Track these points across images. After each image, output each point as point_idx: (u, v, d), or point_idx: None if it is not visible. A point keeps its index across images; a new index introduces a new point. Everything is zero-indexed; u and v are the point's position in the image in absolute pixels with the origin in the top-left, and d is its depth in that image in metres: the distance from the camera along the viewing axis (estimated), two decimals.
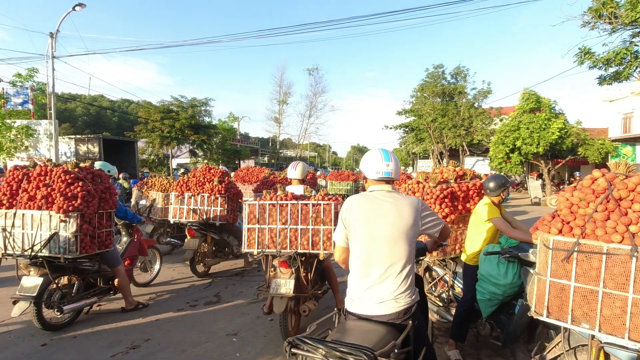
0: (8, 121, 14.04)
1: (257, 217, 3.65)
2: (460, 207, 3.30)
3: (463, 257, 3.21)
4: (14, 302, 3.52)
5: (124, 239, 4.91)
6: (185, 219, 5.85)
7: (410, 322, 1.80)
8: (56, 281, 3.71)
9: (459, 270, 3.43)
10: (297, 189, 3.99)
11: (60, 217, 3.46)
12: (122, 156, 18.11)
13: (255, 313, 4.23)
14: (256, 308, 4.38)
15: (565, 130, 17.38)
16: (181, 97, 25.11)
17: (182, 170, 8.88)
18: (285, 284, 3.41)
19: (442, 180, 3.47)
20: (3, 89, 14.34)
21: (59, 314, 3.62)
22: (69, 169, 3.63)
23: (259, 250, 3.64)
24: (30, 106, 14.62)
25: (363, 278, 1.88)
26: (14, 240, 3.62)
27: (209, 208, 5.78)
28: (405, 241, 1.85)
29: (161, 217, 7.10)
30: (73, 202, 3.50)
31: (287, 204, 3.60)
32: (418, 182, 3.56)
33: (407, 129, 36.79)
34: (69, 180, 3.55)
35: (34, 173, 3.65)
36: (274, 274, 3.64)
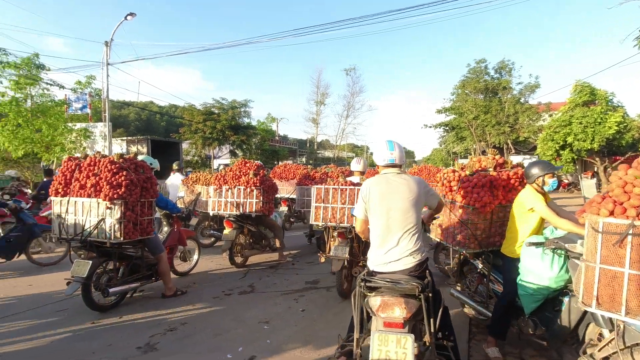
0: (70, 124, 15.27)
1: (322, 197, 4.75)
2: (500, 196, 3.11)
3: (503, 250, 3.02)
4: (67, 283, 3.79)
5: (165, 228, 5.15)
6: (224, 210, 6.05)
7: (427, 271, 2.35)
8: (103, 265, 3.96)
9: (499, 263, 3.23)
10: (356, 178, 5.01)
11: (106, 204, 3.69)
12: (167, 156, 19.09)
13: (287, 303, 4.25)
14: (288, 299, 4.41)
15: (625, 124, 15.95)
16: (222, 100, 26.05)
17: (221, 166, 9.14)
18: (341, 250, 4.25)
19: (480, 168, 3.29)
20: (66, 95, 15.63)
21: (105, 295, 3.86)
22: (115, 160, 3.86)
23: (323, 223, 4.70)
24: (88, 110, 15.81)
25: (384, 242, 2.33)
26: (67, 225, 3.91)
27: (245, 200, 5.94)
28: (415, 210, 2.33)
29: (205, 210, 7.38)
30: (118, 190, 3.72)
31: (346, 189, 4.60)
32: (454, 171, 3.41)
33: (447, 128, 35.65)
34: (114, 170, 3.78)
35: (84, 163, 3.92)
36: (333, 242, 4.58)
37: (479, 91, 26.45)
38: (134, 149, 18.00)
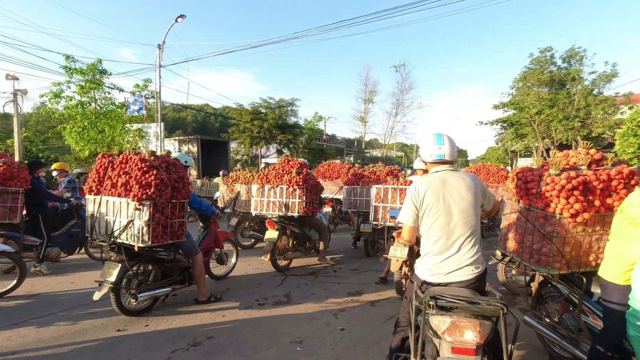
0: (128, 126, 16.15)
1: (382, 197, 4.93)
2: (597, 202, 2.39)
3: (603, 273, 2.30)
4: (99, 284, 3.65)
5: (201, 230, 4.93)
6: (266, 211, 5.84)
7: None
8: (133, 268, 3.78)
9: (595, 290, 2.51)
10: (415, 177, 4.80)
11: (135, 204, 3.49)
12: (216, 155, 19.60)
13: (325, 319, 3.80)
14: (327, 313, 3.95)
15: None
16: (269, 99, 26.30)
17: (262, 165, 8.91)
18: (400, 250, 4.12)
19: (568, 166, 2.58)
20: (125, 98, 16.57)
21: (134, 300, 3.68)
22: (146, 157, 3.65)
23: (382, 223, 4.89)
24: (144, 112, 16.60)
25: (442, 249, 2.09)
26: (99, 225, 3.78)
27: (288, 200, 5.67)
28: (475, 212, 2.11)
29: (245, 210, 7.18)
30: (147, 190, 3.50)
31: (405, 189, 4.66)
32: (530, 170, 2.73)
33: (505, 125, 33.51)
34: (145, 169, 3.57)
35: (117, 161, 3.76)
36: (392, 242, 4.40)
37: (543, 83, 24.15)
38: (185, 148, 18.65)
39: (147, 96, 16.70)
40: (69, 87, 14.32)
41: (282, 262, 5.80)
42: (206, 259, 4.80)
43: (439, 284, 2.06)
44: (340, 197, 9.29)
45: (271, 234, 5.60)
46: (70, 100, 14.44)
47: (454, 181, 2.13)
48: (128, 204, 3.55)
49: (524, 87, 25.46)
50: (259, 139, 24.92)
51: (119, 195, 3.62)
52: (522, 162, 31.84)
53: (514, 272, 4.33)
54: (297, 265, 6.04)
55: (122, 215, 3.60)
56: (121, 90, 15.86)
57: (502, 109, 31.11)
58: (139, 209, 3.50)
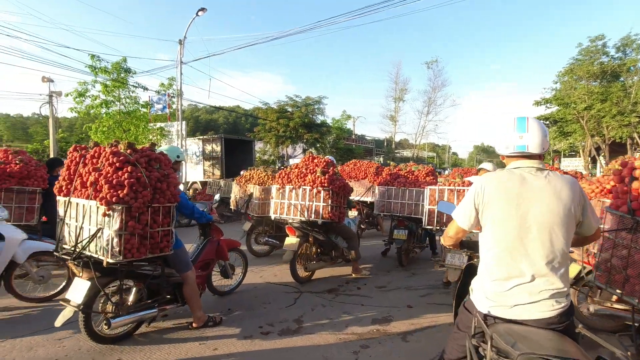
0: (151, 125, 15.98)
1: (437, 199, 4.60)
2: None
3: None
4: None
5: (200, 239, 4.22)
6: (286, 214, 5.18)
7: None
8: (109, 287, 3.10)
9: None
10: (476, 178, 3.81)
11: (104, 209, 2.79)
12: (241, 154, 19.13)
13: (342, 358, 2.94)
14: (344, 349, 3.10)
15: None
16: (295, 97, 25.68)
17: (278, 164, 8.11)
18: (459, 258, 3.85)
19: None
20: (149, 97, 16.42)
21: (106, 327, 2.99)
22: (120, 150, 2.95)
23: (437, 227, 4.64)
24: (167, 110, 16.38)
25: (509, 272, 1.59)
26: (68, 234, 3.13)
27: (311, 203, 4.98)
28: (564, 232, 1.57)
29: (258, 214, 6.46)
30: (119, 191, 2.79)
31: (463, 190, 4.34)
32: (619, 172, 1.77)
33: (547, 122, 31.56)
34: (117, 164, 2.87)
35: (89, 154, 3.09)
36: (448, 250, 3.98)
37: (592, 76, 22.03)
38: (209, 147, 18.31)
39: (170, 94, 16.46)
40: (94, 86, 14.28)
41: (303, 274, 5.08)
42: (206, 273, 4.08)
43: (506, 320, 1.57)
44: (368, 199, 8.42)
45: (291, 241, 4.94)
46: (95, 99, 14.39)
47: (538, 184, 1.59)
48: (97, 208, 2.86)
49: (570, 80, 23.46)
50: (285, 138, 24.34)
51: (89, 197, 2.94)
52: (567, 163, 29.76)
53: (591, 301, 3.31)
54: (327, 276, 5.29)
55: (93, 222, 2.92)
56: (145, 89, 15.72)
57: (544, 105, 29.39)
58: (108, 215, 2.80)
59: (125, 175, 2.83)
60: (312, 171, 5.19)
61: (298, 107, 24.91)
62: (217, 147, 18.16)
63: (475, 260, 3.13)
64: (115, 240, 2.78)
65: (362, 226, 8.68)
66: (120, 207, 2.77)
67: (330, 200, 4.95)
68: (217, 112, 62.01)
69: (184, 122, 15.01)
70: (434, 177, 6.40)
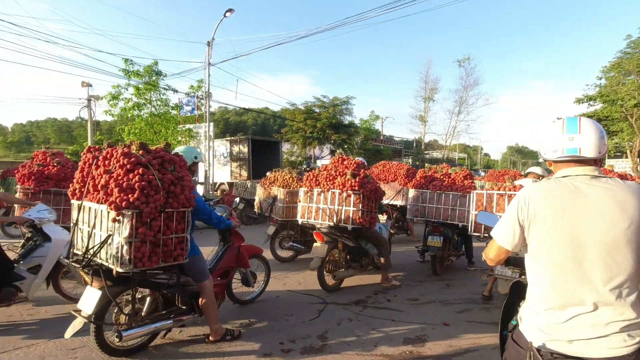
0: (180, 126, 16.23)
1: (484, 205, 4.26)
2: None
3: None
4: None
5: (220, 245, 4.00)
6: (314, 219, 4.95)
7: None
8: (121, 296, 2.92)
9: None
10: (526, 182, 4.08)
11: (113, 215, 2.60)
12: (268, 156, 19.12)
13: None
14: None
15: None
16: (323, 97, 25.41)
17: (304, 165, 7.86)
18: (512, 270, 3.42)
19: None
20: (179, 99, 16.71)
21: (118, 339, 2.80)
22: (131, 151, 2.76)
23: (485, 235, 4.23)
24: (196, 112, 16.59)
25: (565, 302, 1.32)
26: (81, 239, 2.97)
27: (340, 207, 4.72)
28: (633, 249, 1.28)
29: (283, 218, 6.21)
30: (129, 195, 2.60)
31: (513, 194, 3.93)
32: None
33: None
34: (129, 167, 2.67)
35: (102, 155, 2.92)
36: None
37: None
38: (236, 148, 18.39)
39: (198, 96, 16.64)
40: (127, 89, 14.65)
41: (331, 281, 4.82)
42: (226, 281, 3.86)
43: (564, 356, 1.29)
44: (398, 202, 8.00)
45: (319, 247, 4.67)
46: (128, 102, 14.74)
47: (595, 194, 1.33)
48: (108, 213, 2.67)
49: (618, 75, 21.83)
50: (312, 139, 24.11)
51: (100, 201, 2.76)
52: (611, 164, 27.78)
53: None
54: (344, 285, 4.93)
55: (102, 228, 2.75)
56: (175, 91, 15.98)
57: (587, 103, 27.71)
58: (117, 221, 2.61)
59: (136, 178, 2.63)
60: (341, 173, 4.91)
61: (325, 107, 24.61)
62: (244, 148, 18.23)
63: (524, 277, 2.79)
64: (125, 248, 2.58)
65: (392, 231, 8.25)
66: (130, 213, 2.57)
67: (360, 205, 4.66)
68: (246, 114, 63.31)
69: (211, 124, 15.11)
70: (472, 180, 5.92)
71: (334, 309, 4.13)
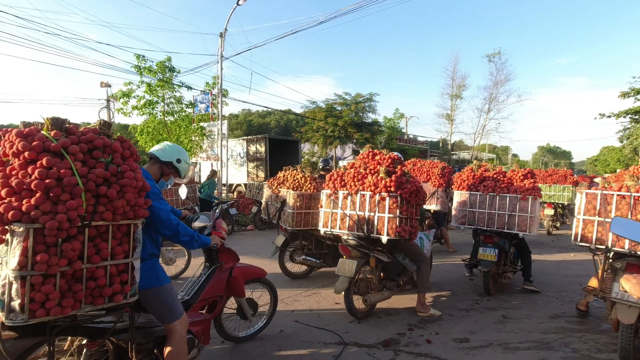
0: (194, 125, 15.48)
1: (597, 208, 3.25)
2: None
3: None
4: None
5: (205, 266, 2.99)
6: (340, 228, 4.01)
7: None
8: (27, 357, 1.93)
9: None
10: None
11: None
12: (287, 156, 18.21)
13: None
14: None
15: None
16: (345, 94, 24.25)
17: (320, 164, 6.76)
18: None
19: None
20: (193, 96, 16.00)
21: None
22: (33, 130, 1.76)
23: (597, 245, 3.24)
24: (211, 110, 15.80)
25: None
26: None
27: (372, 214, 3.76)
28: None
29: (293, 226, 5.15)
30: (25, 200, 1.61)
31: None
32: None
33: (636, 117, 27.52)
34: (27, 155, 1.68)
35: (3, 141, 1.94)
36: (612, 276, 3.04)
37: None
38: (253, 148, 17.55)
39: (213, 93, 15.86)
40: (139, 87, 14.04)
41: (361, 305, 3.86)
42: (212, 316, 2.85)
43: None
44: (432, 207, 6.83)
45: (347, 264, 3.73)
46: (140, 100, 14.13)
47: None
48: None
49: None
50: (334, 138, 22.99)
51: None
52: None
53: None
54: (389, 306, 3.85)
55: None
56: (189, 88, 15.27)
57: (634, 97, 25.74)
58: (3, 242, 1.62)
59: (37, 172, 1.63)
60: (373, 171, 3.91)
61: (347, 105, 23.42)
62: (262, 148, 17.37)
63: None
64: (15, 286, 1.58)
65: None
66: (22, 229, 1.57)
67: (398, 211, 3.62)
68: (269, 115, 63.43)
69: (225, 122, 14.30)
70: (534, 180, 4.70)
71: (354, 355, 3.02)
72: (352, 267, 3.71)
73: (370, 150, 4.33)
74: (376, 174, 3.85)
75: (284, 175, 5.74)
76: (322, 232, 4.26)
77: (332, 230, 4.10)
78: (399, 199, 3.64)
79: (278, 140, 18.57)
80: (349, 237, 3.96)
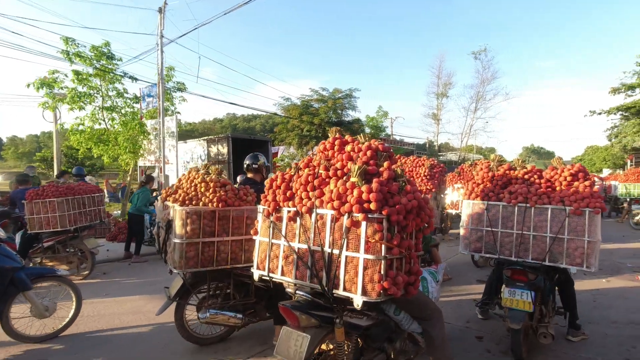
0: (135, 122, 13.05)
1: None
2: None
3: None
4: None
5: None
6: (283, 273, 2.24)
7: None
8: None
9: None
10: None
11: None
12: None
13: None
14: None
15: None
16: (322, 89, 22.22)
17: (246, 161, 4.32)
18: None
19: None
20: (140, 89, 13.65)
21: None
22: None
23: None
24: (158, 104, 13.44)
25: None
26: None
27: (335, 251, 1.99)
28: None
29: (181, 266, 2.95)
30: None
31: None
32: None
33: (626, 114, 26.62)
34: None
35: None
36: None
37: None
38: (214, 149, 15.35)
39: (166, 87, 13.49)
40: (67, 76, 11.68)
41: None
42: None
43: None
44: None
45: (292, 341, 2.05)
46: (71, 92, 11.71)
47: None
48: None
49: None
50: (309, 138, 20.93)
51: None
52: None
53: None
54: None
55: None
56: (134, 79, 12.95)
57: (624, 93, 24.75)
58: None
59: None
60: (341, 173, 2.13)
61: (324, 102, 21.41)
62: (224, 149, 15.20)
63: None
64: None
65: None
66: None
67: (383, 247, 1.83)
68: (254, 119, 61.67)
69: (173, 117, 12.06)
70: (589, 182, 2.70)
71: None
72: (303, 346, 2.01)
73: (337, 136, 2.47)
74: (345, 178, 1.93)
75: (175, 186, 3.52)
76: (255, 276, 2.22)
77: (271, 275, 2.26)
78: (384, 223, 1.78)
79: (244, 140, 16.37)
80: (299, 291, 2.20)
